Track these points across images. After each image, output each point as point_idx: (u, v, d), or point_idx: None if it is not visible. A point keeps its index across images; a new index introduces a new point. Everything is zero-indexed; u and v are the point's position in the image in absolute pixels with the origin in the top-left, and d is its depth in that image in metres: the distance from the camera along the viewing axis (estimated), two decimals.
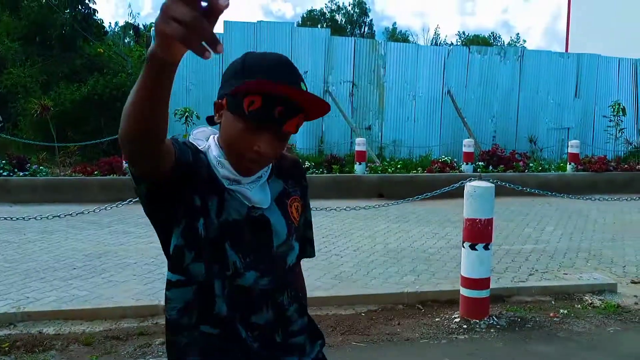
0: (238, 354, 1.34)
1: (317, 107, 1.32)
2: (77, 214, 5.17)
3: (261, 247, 1.38)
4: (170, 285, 1.34)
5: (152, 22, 13.17)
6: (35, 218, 4.30)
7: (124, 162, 10.17)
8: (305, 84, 1.35)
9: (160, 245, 1.40)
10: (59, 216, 4.86)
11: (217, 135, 1.38)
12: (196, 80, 12.65)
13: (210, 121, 1.38)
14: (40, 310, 4.33)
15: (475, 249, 4.17)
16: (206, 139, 1.38)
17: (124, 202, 5.39)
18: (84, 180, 9.50)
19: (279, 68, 1.32)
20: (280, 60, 1.35)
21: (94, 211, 4.88)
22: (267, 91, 1.26)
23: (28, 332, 4.07)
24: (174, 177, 1.23)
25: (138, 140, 1.09)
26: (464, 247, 4.26)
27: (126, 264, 5.85)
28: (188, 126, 11.16)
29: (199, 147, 1.35)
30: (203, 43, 0.84)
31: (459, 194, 5.12)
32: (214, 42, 0.84)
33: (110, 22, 64.80)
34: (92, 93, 12.42)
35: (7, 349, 3.81)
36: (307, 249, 1.58)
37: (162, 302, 4.48)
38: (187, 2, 0.82)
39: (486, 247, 4.20)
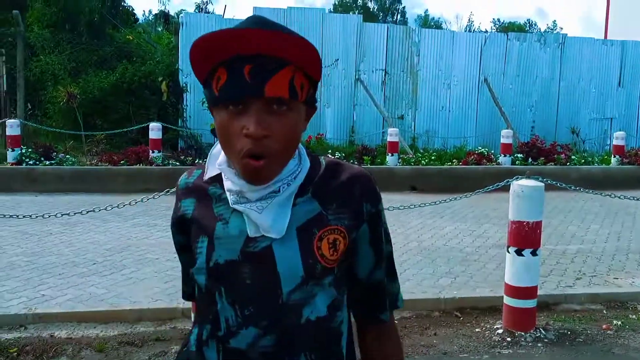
0: None
1: (294, 47, 0.98)
2: (99, 210, 4.92)
3: (264, 295, 1.03)
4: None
5: (182, 9, 12.95)
6: (55, 216, 4.07)
7: (150, 151, 10.00)
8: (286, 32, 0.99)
9: None
10: (80, 212, 4.62)
11: None
12: None
13: (214, 133, 1.08)
14: (52, 312, 4.09)
15: (522, 255, 3.78)
16: (216, 160, 1.11)
17: (149, 197, 5.10)
18: (110, 169, 9.34)
19: (242, 22, 1.02)
20: (249, 17, 1.03)
21: (117, 206, 4.65)
22: (214, 49, 0.97)
23: (39, 336, 3.84)
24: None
25: None
26: (508, 252, 3.87)
27: (148, 259, 5.61)
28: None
29: (198, 176, 1.15)
30: None
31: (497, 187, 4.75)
32: None
33: (143, 11, 65.25)
34: (120, 81, 12.26)
35: (15, 354, 3.58)
36: (386, 302, 1.14)
37: (182, 305, 4.25)
38: None
39: (534, 253, 3.81)
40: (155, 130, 10.18)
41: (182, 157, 10.16)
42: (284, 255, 1.03)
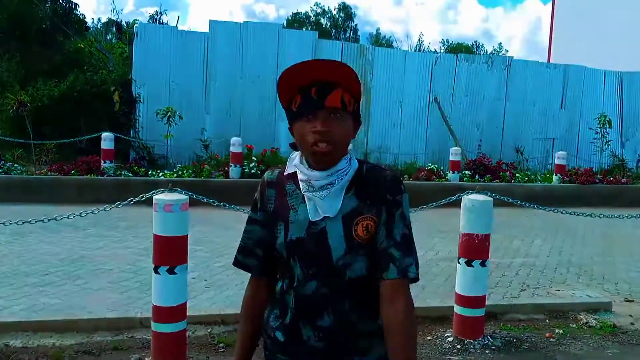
0: (302, 355, 1.56)
1: (341, 74, 1.49)
2: (48, 220, 4.87)
3: (321, 260, 1.53)
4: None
5: (136, 19, 12.72)
6: (3, 224, 4.03)
7: (102, 161, 9.88)
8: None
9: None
10: (29, 222, 4.56)
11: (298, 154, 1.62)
12: (180, 79, 12.35)
13: (293, 147, 1.60)
14: (6, 321, 4.04)
15: (472, 266, 3.98)
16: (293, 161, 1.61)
17: (106, 207, 5.09)
18: (60, 179, 9.18)
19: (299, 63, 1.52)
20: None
21: (67, 217, 4.59)
22: (295, 79, 1.50)
23: None
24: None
25: None
26: (459, 263, 4.07)
27: (102, 270, 5.58)
28: (170, 126, 10.89)
29: (281, 173, 1.64)
30: None
31: (447, 202, 4.95)
32: None
33: (93, 19, 63.89)
34: (71, 90, 12.06)
35: None
36: (389, 266, 1.50)
37: (139, 314, 4.26)
38: None
39: (483, 264, 4.02)
40: (107, 140, 10.06)
41: (135, 168, 10.07)
42: (333, 235, 1.51)
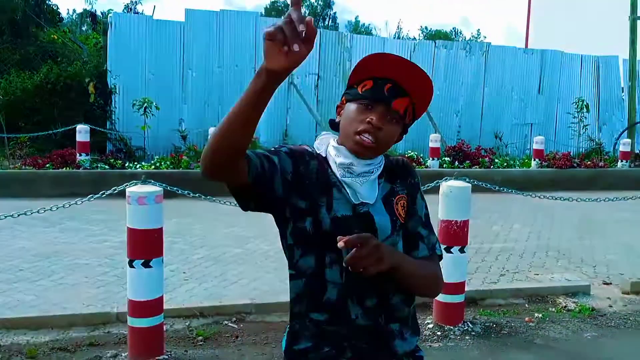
0: (345, 333, 1.50)
1: (421, 88, 1.52)
2: (18, 215, 4.76)
3: None
4: (289, 278, 1.55)
5: (110, 9, 12.53)
6: None
7: (77, 154, 9.72)
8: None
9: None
10: (3, 217, 4.45)
11: (337, 137, 1.58)
12: (156, 70, 12.18)
13: (332, 124, 1.60)
14: None
15: (451, 252, 3.97)
16: (326, 145, 1.58)
17: (77, 200, 4.99)
18: (35, 173, 9.01)
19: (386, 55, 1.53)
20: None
21: (37, 211, 4.49)
22: (375, 68, 1.51)
23: None
24: (264, 190, 1.43)
25: (222, 152, 1.29)
26: None
27: (78, 265, 5.48)
28: (147, 117, 10.73)
29: (317, 151, 1.57)
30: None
31: (426, 189, 4.93)
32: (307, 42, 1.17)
33: (67, 9, 62.86)
34: (45, 81, 11.82)
35: None
36: (419, 245, 1.58)
37: (115, 309, 4.19)
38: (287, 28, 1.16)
39: (462, 250, 4.01)
40: (82, 132, 9.89)
41: (112, 160, 9.93)
42: (379, 216, 1.52)
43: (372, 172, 1.54)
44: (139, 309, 3.39)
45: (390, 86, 1.50)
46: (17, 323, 3.94)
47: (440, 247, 1.63)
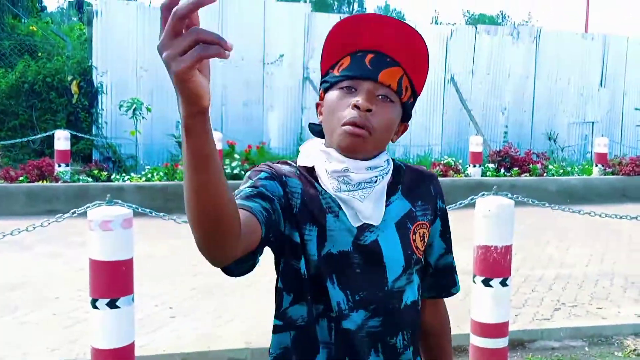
0: None
1: (412, 49, 1.37)
2: None
3: (373, 282, 1.35)
4: (273, 330, 1.40)
5: None
6: None
7: (56, 164, 9.66)
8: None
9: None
10: None
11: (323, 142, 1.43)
12: (150, 65, 12.13)
13: (314, 129, 1.48)
14: None
15: (490, 286, 3.73)
16: (313, 153, 1.42)
17: (44, 221, 4.84)
18: (7, 187, 8.97)
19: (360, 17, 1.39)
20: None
21: (11, 233, 4.36)
22: (351, 48, 1.38)
23: None
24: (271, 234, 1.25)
25: (213, 232, 1.04)
26: (474, 282, 3.81)
27: (46, 299, 5.37)
28: (136, 121, 10.65)
29: (301, 164, 1.41)
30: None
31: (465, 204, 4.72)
32: (220, 40, 0.90)
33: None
34: (21, 80, 11.85)
35: None
36: (455, 278, 1.53)
37: (84, 356, 4.03)
38: (172, 32, 0.89)
39: (504, 283, 3.76)
40: (62, 139, 9.84)
41: (96, 172, 9.85)
42: (389, 248, 1.35)
43: (377, 180, 1.36)
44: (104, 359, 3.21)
45: (373, 56, 1.36)
46: None
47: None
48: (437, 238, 1.47)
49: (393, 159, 1.47)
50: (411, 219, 1.40)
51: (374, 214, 1.35)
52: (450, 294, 1.53)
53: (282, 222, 1.29)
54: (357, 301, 1.33)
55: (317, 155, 1.39)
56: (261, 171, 1.34)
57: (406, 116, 1.43)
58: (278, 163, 1.42)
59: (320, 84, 1.44)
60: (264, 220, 1.21)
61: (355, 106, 1.31)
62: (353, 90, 1.34)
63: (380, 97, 1.34)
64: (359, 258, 1.33)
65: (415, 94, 1.43)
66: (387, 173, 1.39)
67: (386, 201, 1.38)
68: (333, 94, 1.37)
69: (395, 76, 1.36)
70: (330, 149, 1.36)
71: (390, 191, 1.40)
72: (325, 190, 1.36)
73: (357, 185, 1.34)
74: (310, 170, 1.39)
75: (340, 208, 1.34)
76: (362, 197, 1.34)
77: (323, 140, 1.42)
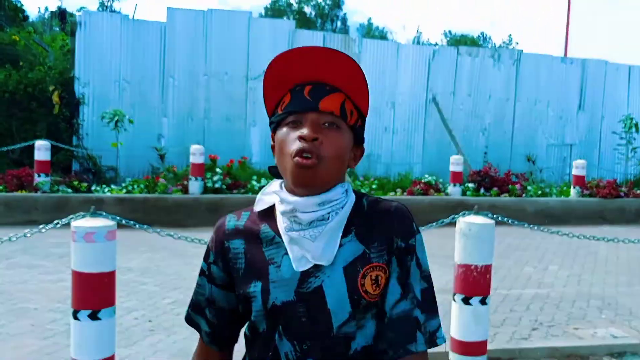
0: None
1: (346, 73, 1.35)
2: None
3: (318, 330, 1.32)
4: None
5: (83, 7, 12.50)
6: None
7: (36, 174, 9.59)
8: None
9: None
10: None
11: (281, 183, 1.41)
12: (132, 77, 12.11)
13: (273, 171, 1.44)
14: None
15: (470, 304, 3.76)
16: (270, 194, 1.42)
17: (27, 232, 4.82)
18: None
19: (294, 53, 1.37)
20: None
21: None
22: (289, 84, 1.37)
23: None
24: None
25: None
26: (454, 300, 3.85)
27: (24, 309, 5.32)
28: (119, 132, 10.62)
29: (260, 209, 1.42)
30: None
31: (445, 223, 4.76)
32: None
33: (39, 7, 63.54)
34: (1, 90, 11.76)
35: None
36: (417, 336, 1.33)
37: None
38: None
39: (483, 302, 3.80)
40: (42, 149, 9.77)
41: (76, 183, 9.79)
42: (333, 293, 1.31)
43: (329, 216, 1.33)
44: None
45: (311, 87, 1.35)
46: None
47: (441, 333, 1.38)
48: (394, 280, 1.35)
49: (357, 191, 1.43)
50: (363, 262, 1.33)
51: (324, 254, 1.32)
52: (407, 352, 1.32)
53: (234, 296, 1.42)
54: (305, 350, 1.32)
55: (272, 197, 1.40)
56: (206, 253, 1.46)
57: (358, 139, 1.42)
58: (214, 237, 1.44)
59: (270, 126, 1.43)
60: (211, 336, 1.47)
61: (302, 137, 1.30)
62: (299, 123, 1.33)
63: (326, 124, 1.33)
64: (303, 306, 1.32)
65: (362, 117, 1.42)
66: (342, 207, 1.35)
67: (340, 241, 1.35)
68: (281, 132, 1.35)
69: (337, 102, 1.35)
70: (282, 191, 1.36)
71: (344, 232, 1.35)
72: (271, 239, 1.37)
73: (308, 224, 1.32)
74: (268, 213, 1.41)
75: (286, 253, 1.34)
76: (312, 237, 1.31)
77: (282, 181, 1.41)
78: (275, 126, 1.39)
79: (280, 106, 1.38)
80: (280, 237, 1.35)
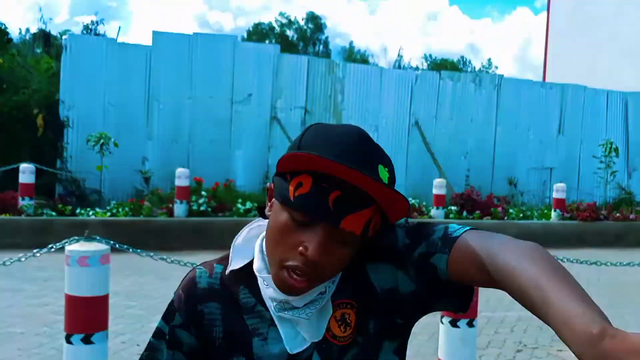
0: None
1: (392, 202, 1.08)
2: None
3: None
4: None
5: (67, 30, 12.50)
6: None
7: (20, 198, 9.56)
8: (388, 171, 1.14)
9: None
10: None
11: (263, 234, 1.20)
12: (117, 101, 12.13)
13: (262, 213, 1.19)
14: None
15: (457, 326, 3.83)
16: (253, 248, 1.22)
17: (8, 260, 4.83)
18: None
19: (344, 143, 1.10)
20: (350, 134, 1.14)
21: None
22: (314, 169, 1.06)
23: None
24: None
25: None
26: (442, 322, 3.91)
27: (9, 334, 5.30)
28: (103, 155, 10.63)
29: (243, 265, 1.20)
30: None
31: None
32: None
33: (20, 29, 63.35)
34: None
35: None
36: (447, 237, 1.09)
37: None
38: None
39: (470, 324, 3.87)
40: (26, 173, 9.76)
41: (60, 206, 9.77)
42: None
43: (325, 290, 1.14)
44: None
45: (339, 195, 1.05)
46: None
47: (457, 227, 1.12)
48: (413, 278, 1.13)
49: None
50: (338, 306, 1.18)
51: (320, 329, 1.15)
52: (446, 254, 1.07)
53: None
54: None
55: (250, 252, 1.21)
56: (165, 314, 1.25)
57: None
58: (188, 288, 1.22)
59: (273, 180, 1.15)
60: None
61: (302, 253, 1.06)
62: (310, 225, 1.07)
63: (338, 244, 1.08)
64: None
65: (386, 223, 1.14)
66: (333, 282, 1.17)
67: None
68: (282, 216, 1.08)
69: (362, 221, 1.07)
70: (269, 278, 1.13)
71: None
72: (252, 306, 1.18)
73: (304, 306, 1.13)
74: (245, 269, 1.20)
75: (272, 324, 1.16)
76: (309, 315, 1.13)
77: (263, 234, 1.20)
78: (279, 199, 1.10)
79: (294, 185, 1.07)
80: (264, 305, 1.17)
